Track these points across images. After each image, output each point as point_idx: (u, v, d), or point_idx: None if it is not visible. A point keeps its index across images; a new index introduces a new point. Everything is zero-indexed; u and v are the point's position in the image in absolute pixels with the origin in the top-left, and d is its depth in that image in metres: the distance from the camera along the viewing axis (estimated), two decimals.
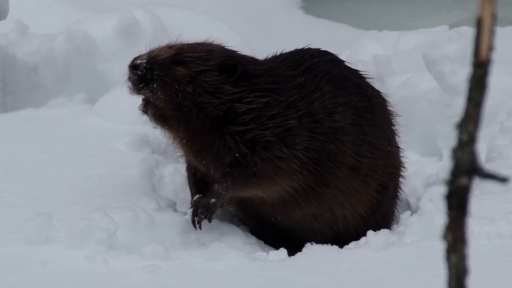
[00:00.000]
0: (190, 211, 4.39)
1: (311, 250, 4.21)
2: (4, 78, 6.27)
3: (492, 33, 2.09)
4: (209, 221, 4.42)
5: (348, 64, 4.81)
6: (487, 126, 5.53)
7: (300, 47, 4.83)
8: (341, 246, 4.34)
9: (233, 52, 4.55)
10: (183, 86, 4.37)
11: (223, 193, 4.36)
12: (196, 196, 4.44)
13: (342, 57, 5.00)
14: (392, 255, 4.08)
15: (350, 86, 4.66)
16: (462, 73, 5.70)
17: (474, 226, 4.10)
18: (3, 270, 3.91)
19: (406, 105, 5.85)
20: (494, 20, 2.10)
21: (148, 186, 4.82)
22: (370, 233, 4.23)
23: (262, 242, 4.66)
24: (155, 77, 4.35)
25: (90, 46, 6.51)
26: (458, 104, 5.71)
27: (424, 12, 10.09)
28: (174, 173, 5.00)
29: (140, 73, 4.36)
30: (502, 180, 2.09)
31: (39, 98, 6.30)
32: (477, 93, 2.10)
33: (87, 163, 5.06)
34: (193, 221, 4.36)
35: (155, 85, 4.35)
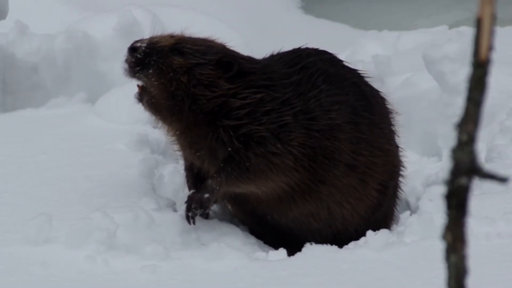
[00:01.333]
0: (184, 207, 4.40)
1: (311, 250, 4.21)
2: (4, 78, 6.27)
3: (491, 33, 2.10)
4: (204, 217, 4.44)
5: (346, 64, 4.81)
6: (487, 126, 5.54)
7: (299, 46, 4.83)
8: (340, 246, 4.34)
9: (232, 50, 4.56)
10: (178, 75, 4.38)
11: (217, 188, 4.37)
12: (190, 192, 4.45)
13: (341, 57, 5.00)
14: (391, 255, 4.08)
15: (347, 85, 4.67)
16: (462, 73, 5.71)
17: (474, 226, 4.10)
18: (3, 270, 3.91)
19: (406, 105, 5.85)
20: (493, 20, 2.10)
21: (148, 186, 4.82)
22: (369, 233, 4.24)
23: (261, 242, 4.66)
24: (152, 62, 4.37)
25: (90, 46, 6.52)
26: (458, 104, 5.71)
27: (424, 12, 10.09)
28: (174, 173, 5.01)
29: (138, 55, 4.38)
30: (502, 180, 2.09)
31: (39, 98, 6.30)
32: (477, 93, 2.11)
33: (87, 163, 5.06)
34: (187, 217, 4.38)
35: (150, 71, 4.37)
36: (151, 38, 4.46)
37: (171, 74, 4.38)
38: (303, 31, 9.11)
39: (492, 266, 3.90)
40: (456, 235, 2.14)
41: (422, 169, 5.60)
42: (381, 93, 4.85)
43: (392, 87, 6.04)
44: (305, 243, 4.33)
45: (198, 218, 4.44)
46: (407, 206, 5.16)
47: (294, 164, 4.44)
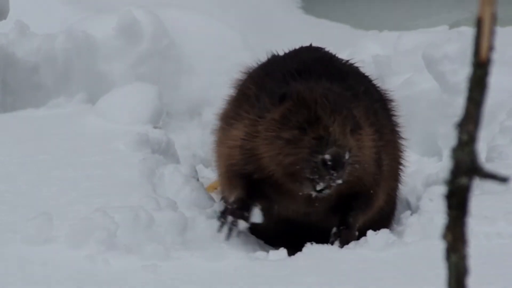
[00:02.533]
0: (338, 241, 4.41)
1: (311, 250, 4.21)
2: (4, 78, 6.27)
3: (492, 33, 2.10)
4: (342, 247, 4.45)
5: (327, 51, 4.89)
6: (487, 126, 5.55)
7: (298, 47, 4.83)
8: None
9: (341, 94, 4.48)
10: (366, 148, 4.44)
11: (357, 224, 4.48)
12: (335, 229, 4.47)
13: (342, 57, 5.01)
14: (392, 255, 4.08)
15: (353, 78, 4.72)
16: (462, 73, 5.71)
17: (474, 225, 4.10)
18: (3, 270, 3.91)
19: (406, 105, 5.86)
20: (494, 20, 2.10)
21: (148, 186, 4.82)
22: (370, 233, 4.24)
23: (262, 242, 4.66)
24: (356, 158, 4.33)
25: (91, 46, 6.51)
26: (458, 104, 5.72)
27: (424, 12, 10.09)
28: (174, 173, 5.00)
29: (344, 168, 4.24)
30: (502, 180, 2.09)
31: (39, 98, 6.30)
32: (477, 93, 2.11)
33: (87, 163, 5.05)
34: (342, 247, 4.40)
35: (357, 165, 4.33)
36: (335, 142, 4.22)
37: (365, 151, 4.41)
38: (303, 31, 9.10)
39: (492, 266, 3.90)
40: (456, 235, 2.14)
41: (423, 169, 5.61)
42: (358, 68, 4.92)
43: (392, 87, 6.04)
44: (309, 241, 4.31)
45: (200, 218, 4.44)
46: (408, 206, 5.17)
47: (383, 184, 4.60)
